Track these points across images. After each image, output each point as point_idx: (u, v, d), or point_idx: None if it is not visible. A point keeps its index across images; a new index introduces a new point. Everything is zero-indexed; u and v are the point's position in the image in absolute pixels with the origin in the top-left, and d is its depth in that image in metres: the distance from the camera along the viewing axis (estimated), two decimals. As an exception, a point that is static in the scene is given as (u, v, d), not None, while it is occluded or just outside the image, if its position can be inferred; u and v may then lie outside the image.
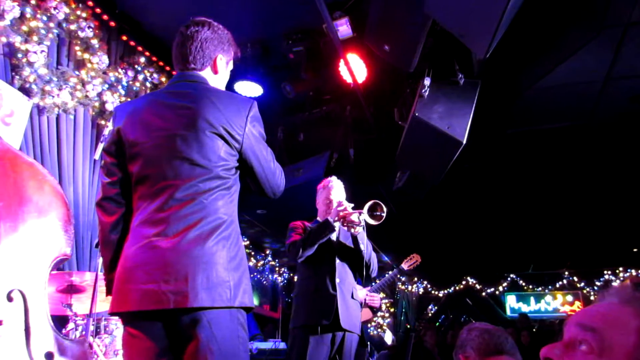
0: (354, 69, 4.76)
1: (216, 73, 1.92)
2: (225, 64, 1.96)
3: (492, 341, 2.00)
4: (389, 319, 13.97)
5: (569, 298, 13.86)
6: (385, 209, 3.20)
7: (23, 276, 1.97)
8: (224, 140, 1.71)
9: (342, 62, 4.83)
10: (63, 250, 2.14)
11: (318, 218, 3.54)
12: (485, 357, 1.99)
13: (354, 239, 3.34)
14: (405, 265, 5.04)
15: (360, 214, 3.18)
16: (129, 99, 4.57)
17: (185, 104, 1.74)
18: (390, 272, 5.15)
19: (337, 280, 3.23)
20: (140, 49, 4.83)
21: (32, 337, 1.92)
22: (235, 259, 1.65)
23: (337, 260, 3.31)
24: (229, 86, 1.92)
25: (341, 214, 3.18)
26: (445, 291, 14.87)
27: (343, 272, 3.31)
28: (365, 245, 3.33)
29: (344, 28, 4.35)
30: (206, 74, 1.89)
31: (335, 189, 3.50)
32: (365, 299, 4.02)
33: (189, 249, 1.58)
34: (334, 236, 3.35)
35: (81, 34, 4.14)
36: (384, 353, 6.94)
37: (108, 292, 1.75)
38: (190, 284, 1.53)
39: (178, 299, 1.53)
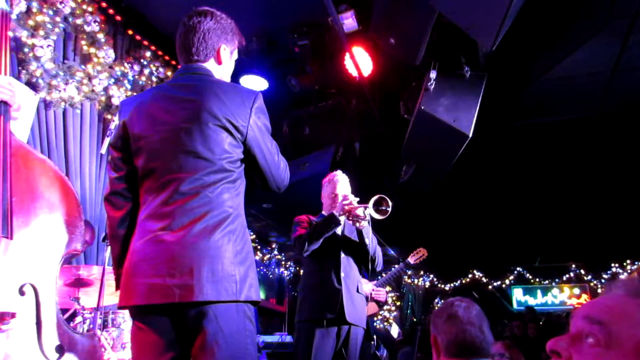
0: (359, 62, 4.75)
1: (220, 64, 1.90)
2: (229, 54, 1.93)
3: (459, 338, 1.75)
4: (395, 313, 13.99)
5: (576, 291, 13.82)
6: (390, 204, 3.20)
7: (35, 270, 1.99)
8: (228, 133, 1.69)
9: (347, 56, 4.81)
10: (74, 245, 2.16)
11: (323, 212, 3.54)
12: (450, 357, 1.77)
13: (359, 233, 3.34)
14: (411, 259, 5.03)
15: (365, 208, 3.17)
16: (135, 94, 4.59)
17: (189, 97, 1.73)
18: (396, 266, 5.15)
19: (342, 274, 3.23)
20: (146, 43, 4.84)
21: (44, 331, 1.94)
22: (241, 252, 1.65)
23: (342, 254, 3.31)
24: (234, 80, 1.91)
25: (346, 208, 3.18)
26: (452, 284, 14.84)
27: (348, 266, 3.31)
28: (370, 239, 3.33)
29: (349, 21, 4.33)
30: (210, 65, 1.87)
31: (341, 183, 3.50)
32: (371, 293, 4.02)
33: (195, 243, 1.58)
34: (339, 230, 3.35)
35: (87, 29, 4.15)
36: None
37: (117, 286, 1.76)
38: (196, 278, 1.54)
39: (183, 292, 1.53)
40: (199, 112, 1.69)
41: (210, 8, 1.89)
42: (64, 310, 3.66)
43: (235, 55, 2.00)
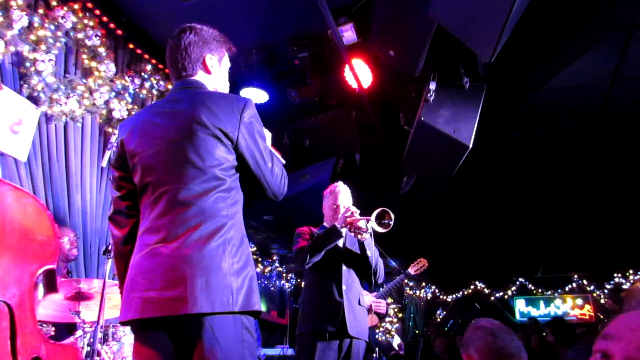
0: (359, 74, 4.77)
1: (209, 73, 1.92)
2: (217, 62, 1.95)
3: (496, 345, 1.85)
4: (397, 324, 13.90)
5: (579, 301, 13.75)
6: (393, 217, 3.16)
7: (7, 289, 2.04)
8: (219, 140, 1.70)
9: (347, 68, 4.83)
10: (47, 262, 2.22)
11: (325, 223, 3.53)
12: None
13: (361, 245, 3.32)
14: (412, 270, 5.00)
15: (367, 221, 3.15)
16: (135, 107, 4.61)
17: (179, 110, 1.76)
18: (397, 277, 5.13)
19: (344, 287, 3.20)
20: (146, 56, 4.87)
21: (19, 344, 1.99)
22: (238, 262, 1.62)
23: (344, 267, 3.29)
24: (235, 92, 1.92)
25: (349, 220, 3.16)
26: (454, 296, 14.78)
27: (349, 278, 3.29)
28: (372, 251, 3.31)
29: (348, 34, 4.36)
30: (200, 77, 1.90)
31: (342, 194, 3.49)
32: (371, 305, 4.00)
33: (188, 254, 1.57)
34: (340, 242, 3.33)
35: (88, 43, 4.18)
36: None
37: None
38: (190, 290, 1.52)
39: (178, 305, 1.52)
40: (188, 123, 1.70)
41: (191, 24, 1.93)
42: (65, 325, 3.64)
43: (226, 63, 2.02)
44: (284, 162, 2.09)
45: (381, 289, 5.08)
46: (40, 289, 2.46)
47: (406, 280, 5.25)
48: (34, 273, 2.16)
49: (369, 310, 3.82)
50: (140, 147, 1.76)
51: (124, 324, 1.68)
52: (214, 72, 1.94)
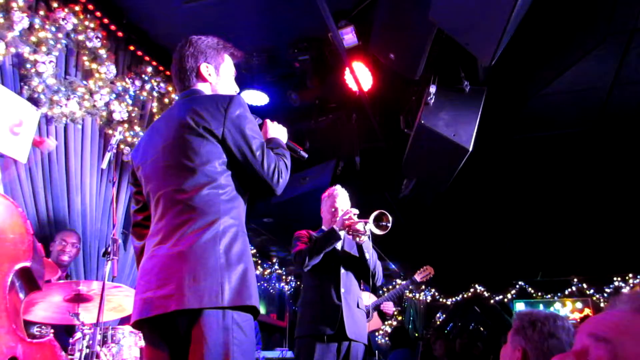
0: (359, 77, 4.77)
1: (206, 81, 1.97)
2: (214, 69, 1.99)
3: (551, 345, 1.66)
4: (396, 327, 13.86)
5: (579, 305, 13.72)
6: (391, 219, 3.18)
7: None
8: (205, 139, 1.73)
9: (347, 71, 4.83)
10: (19, 260, 2.23)
11: (323, 227, 3.53)
12: None
13: (359, 247, 3.33)
14: (418, 277, 5.02)
15: (365, 223, 3.16)
16: (136, 109, 4.62)
17: (171, 117, 1.84)
18: (403, 282, 5.14)
19: (342, 290, 3.21)
20: (147, 58, 4.87)
21: None
22: (229, 257, 1.62)
23: (342, 270, 3.29)
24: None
25: (347, 222, 3.17)
26: (454, 299, 14.76)
27: (348, 281, 3.29)
28: (370, 254, 3.32)
29: (349, 36, 4.36)
30: (198, 86, 1.96)
31: (340, 197, 3.50)
32: (379, 305, 4.01)
33: (179, 251, 1.60)
34: (339, 245, 3.33)
35: (89, 44, 4.18)
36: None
37: None
38: (178, 287, 1.55)
39: (168, 302, 1.55)
40: (177, 128, 1.77)
41: (191, 36, 1.99)
42: (64, 327, 3.64)
43: (227, 68, 2.05)
44: (306, 155, 2.14)
45: (386, 294, 5.09)
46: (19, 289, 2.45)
47: (410, 286, 5.25)
48: (7, 273, 2.18)
49: (369, 312, 3.83)
50: (142, 159, 1.86)
51: (134, 326, 1.71)
52: (212, 79, 1.98)
